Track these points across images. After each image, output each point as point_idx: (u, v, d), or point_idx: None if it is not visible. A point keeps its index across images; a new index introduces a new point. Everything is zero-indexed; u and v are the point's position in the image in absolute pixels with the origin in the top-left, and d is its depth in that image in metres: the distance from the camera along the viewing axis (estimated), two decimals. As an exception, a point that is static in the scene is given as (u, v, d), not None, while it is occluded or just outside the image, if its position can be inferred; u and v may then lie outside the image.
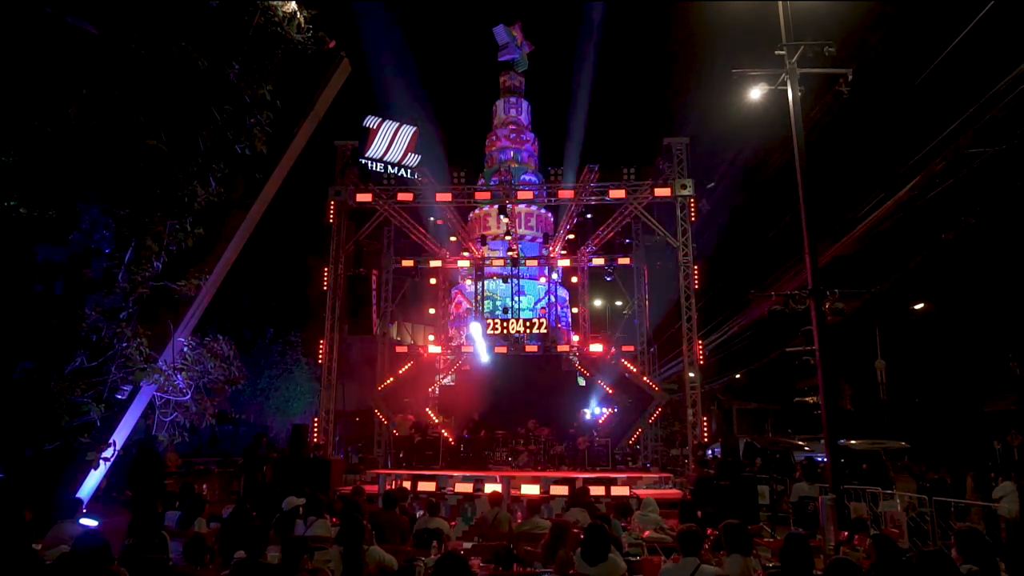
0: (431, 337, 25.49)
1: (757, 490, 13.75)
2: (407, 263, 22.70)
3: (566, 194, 20.65)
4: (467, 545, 7.54)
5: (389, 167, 20.29)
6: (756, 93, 11.77)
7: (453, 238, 23.91)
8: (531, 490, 14.08)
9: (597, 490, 13.74)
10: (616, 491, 14.02)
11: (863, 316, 25.13)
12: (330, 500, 9.82)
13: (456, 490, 14.57)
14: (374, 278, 23.16)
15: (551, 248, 22.98)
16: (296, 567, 4.93)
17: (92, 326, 7.63)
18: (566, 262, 23.38)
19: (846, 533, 8.41)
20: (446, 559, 4.35)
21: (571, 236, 23.15)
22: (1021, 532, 11.57)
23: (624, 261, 23.03)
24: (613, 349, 21.73)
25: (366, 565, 5.41)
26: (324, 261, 20.64)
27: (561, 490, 13.74)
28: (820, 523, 9.24)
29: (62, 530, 6.22)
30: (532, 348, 20.71)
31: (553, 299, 24.86)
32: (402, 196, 20.84)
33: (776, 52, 11.37)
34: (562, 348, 21.51)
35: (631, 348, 22.24)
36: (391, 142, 20.33)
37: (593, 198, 20.36)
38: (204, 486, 15.51)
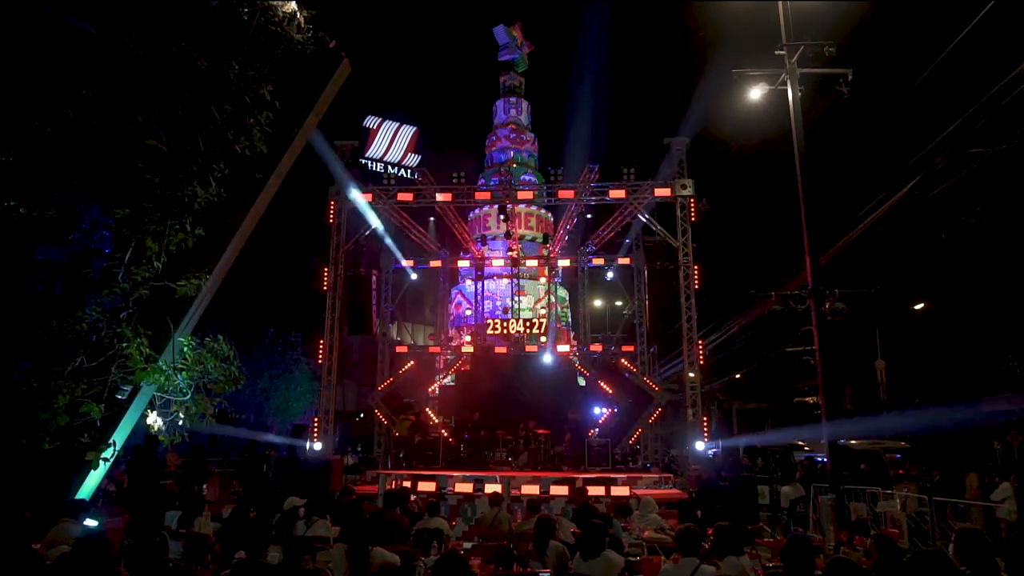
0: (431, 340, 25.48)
1: (757, 490, 13.77)
2: (407, 263, 22.70)
3: (566, 194, 20.65)
4: (467, 545, 7.53)
5: (389, 167, 20.34)
6: (756, 93, 11.79)
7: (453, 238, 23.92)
8: (531, 490, 14.08)
9: (597, 490, 13.75)
10: (616, 491, 14.03)
11: (863, 316, 25.11)
12: (331, 500, 9.81)
13: (456, 490, 14.57)
14: (374, 278, 23.15)
15: (551, 248, 22.97)
16: (297, 567, 4.93)
17: (92, 326, 7.62)
18: (566, 262, 23.37)
19: (846, 533, 8.41)
20: (446, 559, 4.35)
21: (571, 236, 23.17)
22: (1021, 534, 11.55)
23: (624, 261, 23.02)
24: (612, 347, 21.72)
25: (371, 565, 5.41)
26: (324, 261, 20.64)
27: (561, 490, 13.75)
28: (810, 524, 9.23)
29: (62, 530, 6.22)
30: (532, 348, 20.70)
31: (553, 299, 24.86)
32: (402, 196, 20.85)
33: (776, 52, 11.37)
34: (562, 348, 21.50)
35: (631, 348, 22.22)
36: (391, 142, 20.41)
37: (593, 198, 20.35)
38: (204, 486, 15.50)
